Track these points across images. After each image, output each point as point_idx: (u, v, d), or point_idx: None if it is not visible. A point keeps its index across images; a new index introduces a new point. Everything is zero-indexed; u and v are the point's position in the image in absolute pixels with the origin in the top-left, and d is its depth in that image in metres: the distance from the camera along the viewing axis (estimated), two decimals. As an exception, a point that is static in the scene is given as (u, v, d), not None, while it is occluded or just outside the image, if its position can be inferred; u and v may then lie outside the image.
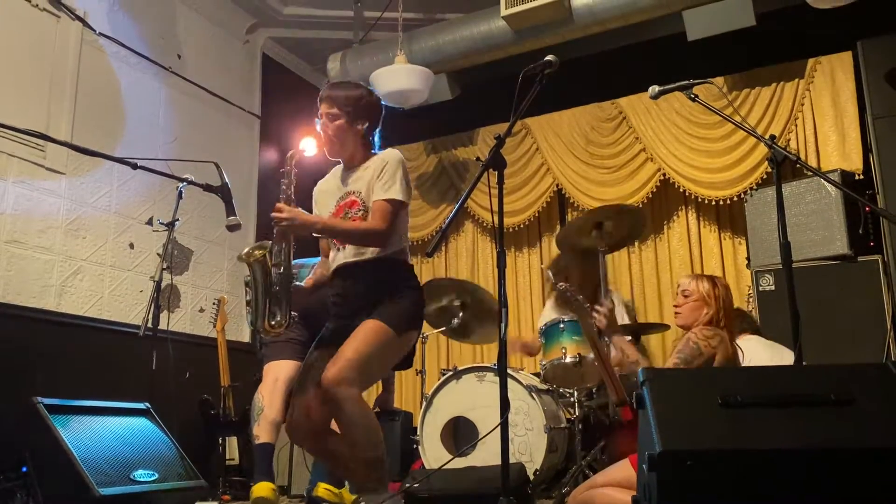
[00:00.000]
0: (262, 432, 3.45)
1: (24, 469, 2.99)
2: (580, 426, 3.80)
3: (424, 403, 4.02)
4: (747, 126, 3.83)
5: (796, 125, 4.78)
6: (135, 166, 2.82)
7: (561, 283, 3.11)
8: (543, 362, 3.96)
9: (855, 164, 4.47)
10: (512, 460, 3.02)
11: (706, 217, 5.13)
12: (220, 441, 4.32)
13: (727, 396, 1.74)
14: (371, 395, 4.60)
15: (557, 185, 5.48)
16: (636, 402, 1.83)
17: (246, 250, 2.71)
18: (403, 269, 2.76)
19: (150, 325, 3.56)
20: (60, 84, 4.19)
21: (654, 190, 5.16)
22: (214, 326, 4.54)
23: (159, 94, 4.83)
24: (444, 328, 4.49)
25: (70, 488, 2.69)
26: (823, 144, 4.67)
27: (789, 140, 4.77)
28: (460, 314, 4.40)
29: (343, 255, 2.71)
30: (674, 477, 1.64)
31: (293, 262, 2.75)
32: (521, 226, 5.62)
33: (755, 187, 4.65)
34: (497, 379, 2.33)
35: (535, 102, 2.51)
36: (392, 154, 2.74)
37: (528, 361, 5.37)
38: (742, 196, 4.66)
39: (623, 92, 5.28)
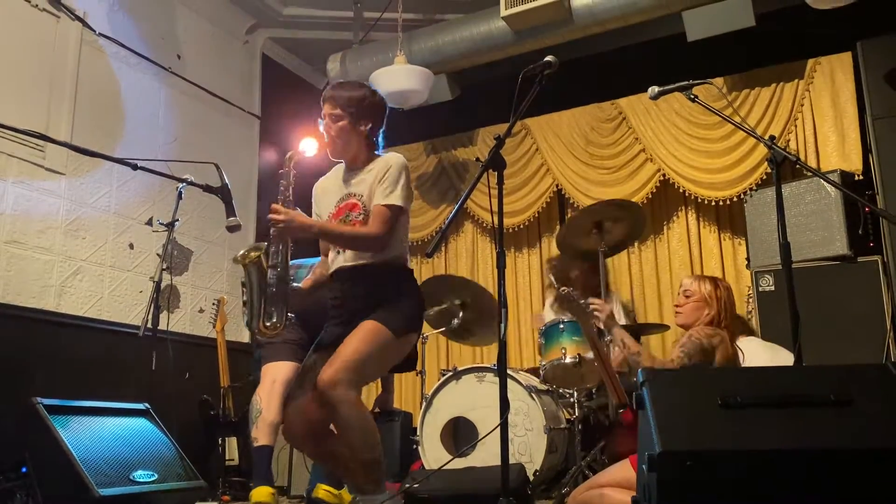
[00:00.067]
0: (260, 435, 3.44)
1: (24, 469, 2.99)
2: (580, 427, 3.80)
3: (424, 404, 4.02)
4: (747, 126, 3.84)
5: (796, 126, 4.78)
6: (134, 167, 2.82)
7: (564, 288, 3.11)
8: (543, 363, 3.96)
9: (854, 164, 4.47)
10: (512, 461, 3.02)
11: (706, 217, 5.13)
12: (220, 441, 4.32)
13: (727, 397, 1.75)
14: (370, 395, 4.61)
15: (557, 186, 5.48)
16: (636, 403, 1.83)
17: (241, 252, 2.71)
18: (403, 272, 2.75)
19: (149, 325, 3.56)
20: (60, 84, 4.19)
21: (654, 190, 5.16)
22: (214, 327, 4.54)
23: (159, 95, 4.83)
24: (443, 328, 4.49)
25: (70, 489, 2.69)
26: (823, 145, 4.67)
27: (789, 140, 4.77)
28: (460, 314, 4.40)
29: (343, 258, 2.71)
30: (673, 477, 1.64)
31: (291, 262, 2.74)
32: (521, 226, 5.62)
33: (755, 188, 4.65)
34: (497, 379, 2.33)
35: (534, 103, 2.51)
36: (395, 159, 2.72)
37: (528, 361, 5.37)
38: (742, 196, 4.66)
39: (623, 92, 5.29)
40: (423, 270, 5.95)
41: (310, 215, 2.82)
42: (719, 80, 4.89)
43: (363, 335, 2.54)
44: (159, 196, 4.66)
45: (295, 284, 2.76)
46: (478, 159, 2.51)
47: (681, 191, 5.06)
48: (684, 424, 1.72)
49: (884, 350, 3.83)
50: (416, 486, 3.28)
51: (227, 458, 4.29)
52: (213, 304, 4.64)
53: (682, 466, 1.64)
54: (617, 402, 2.95)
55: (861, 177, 4.41)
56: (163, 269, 3.72)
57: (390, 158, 2.73)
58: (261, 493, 3.32)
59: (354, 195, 2.72)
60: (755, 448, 1.68)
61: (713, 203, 4.95)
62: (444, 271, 5.91)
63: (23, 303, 3.89)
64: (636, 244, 5.20)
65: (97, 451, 2.85)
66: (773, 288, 4.19)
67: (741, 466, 1.67)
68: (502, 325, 2.25)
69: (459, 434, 3.96)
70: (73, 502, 2.70)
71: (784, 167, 2.84)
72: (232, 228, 2.85)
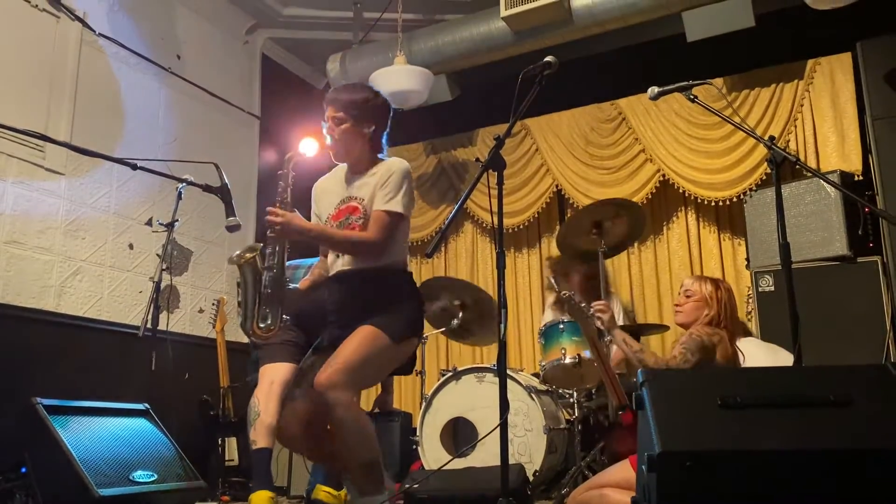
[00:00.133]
0: (259, 437, 3.43)
1: (24, 470, 2.99)
2: (579, 427, 3.80)
3: (424, 404, 4.02)
4: (747, 127, 3.84)
5: (795, 126, 4.78)
6: (134, 167, 2.82)
7: (565, 292, 3.11)
8: (543, 363, 3.96)
9: (854, 165, 4.47)
10: (511, 461, 3.03)
11: (706, 218, 5.13)
12: (220, 442, 4.32)
13: (727, 397, 1.75)
14: (370, 395, 4.61)
15: (557, 186, 5.48)
16: (635, 403, 1.83)
17: (237, 252, 2.71)
18: (402, 277, 2.74)
19: (149, 325, 3.56)
20: (60, 84, 4.20)
21: (654, 191, 5.16)
22: (214, 327, 4.54)
23: (159, 95, 4.83)
24: (443, 329, 4.49)
25: (69, 489, 2.69)
26: (823, 145, 4.67)
27: (788, 141, 4.77)
28: (460, 314, 4.40)
29: (342, 261, 2.70)
30: (673, 478, 1.64)
31: (289, 262, 2.74)
32: (521, 226, 5.62)
33: (754, 188, 4.65)
34: (496, 380, 2.33)
35: (534, 103, 2.51)
36: (399, 164, 2.71)
37: (528, 362, 5.37)
38: (741, 197, 4.66)
39: (622, 93, 5.29)
40: (422, 271, 5.95)
41: (308, 217, 2.82)
42: (719, 81, 4.89)
43: (361, 339, 2.53)
44: (159, 196, 4.66)
45: (292, 285, 2.75)
46: (477, 159, 2.51)
47: (680, 191, 5.06)
48: (684, 425, 1.72)
49: (883, 350, 3.83)
50: (415, 486, 3.28)
51: (226, 458, 4.29)
52: (213, 304, 4.64)
53: (682, 467, 1.64)
54: (617, 404, 2.95)
55: (861, 177, 4.41)
56: (162, 270, 3.72)
57: (393, 164, 2.71)
58: (260, 497, 3.30)
59: (355, 198, 2.70)
60: (755, 448, 1.68)
61: (713, 203, 4.95)
62: (443, 271, 5.91)
63: (22, 303, 3.89)
64: (636, 245, 5.20)
65: (97, 451, 2.86)
66: (772, 288, 4.19)
67: (741, 467, 1.67)
68: (502, 326, 2.25)
69: (459, 434, 3.96)
70: (73, 502, 2.70)
71: (784, 168, 2.84)
72: (231, 228, 2.85)
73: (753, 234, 4.39)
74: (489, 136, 5.66)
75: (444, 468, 3.30)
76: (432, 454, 3.89)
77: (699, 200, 4.99)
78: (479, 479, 3.26)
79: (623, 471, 2.53)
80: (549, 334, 3.99)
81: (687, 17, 4.53)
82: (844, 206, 4.03)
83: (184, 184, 3.29)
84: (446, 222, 2.75)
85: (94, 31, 4.42)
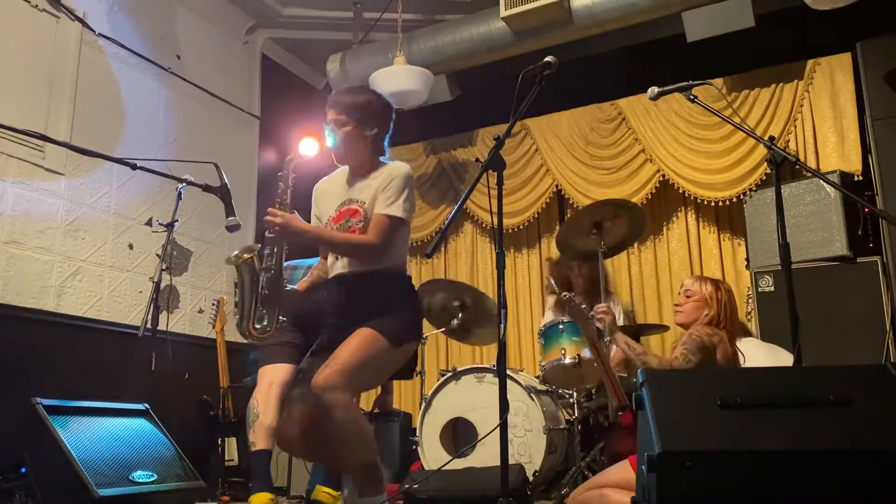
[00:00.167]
0: (258, 439, 3.44)
1: (24, 470, 2.99)
2: (579, 427, 3.80)
3: (424, 404, 4.02)
4: (746, 127, 3.84)
5: (795, 126, 4.78)
6: (134, 167, 2.82)
7: (565, 294, 3.12)
8: (543, 363, 3.96)
9: (854, 165, 4.47)
10: (511, 461, 3.03)
11: (705, 218, 5.13)
12: (220, 442, 4.32)
13: (726, 398, 1.75)
14: (370, 395, 4.61)
15: (557, 186, 5.48)
16: (635, 403, 1.83)
17: (235, 252, 2.70)
18: (401, 281, 2.74)
19: (149, 325, 3.56)
20: (60, 84, 4.20)
21: (654, 191, 5.16)
22: (214, 327, 4.54)
23: (159, 95, 4.83)
24: (443, 328, 4.49)
25: (69, 489, 2.69)
26: (822, 145, 4.67)
27: (788, 141, 4.77)
28: (460, 315, 4.40)
29: (341, 264, 2.69)
30: (673, 478, 1.64)
31: (287, 263, 2.73)
32: (521, 227, 5.62)
33: (754, 188, 4.65)
34: (496, 380, 2.33)
35: (534, 103, 2.51)
36: (401, 169, 2.71)
37: (528, 362, 5.37)
38: (741, 197, 4.66)
39: (622, 93, 5.29)
40: (422, 271, 5.95)
41: (308, 218, 2.82)
42: (719, 81, 4.89)
43: (360, 341, 2.53)
44: (159, 196, 4.66)
45: (290, 286, 2.75)
46: (477, 160, 2.51)
47: (680, 191, 5.06)
48: (684, 425, 1.73)
49: (883, 351, 3.83)
50: (415, 486, 3.28)
51: (226, 458, 4.29)
52: (213, 304, 4.64)
53: (682, 467, 1.64)
54: (617, 404, 2.95)
55: (860, 177, 4.41)
56: (162, 270, 3.72)
57: (396, 168, 2.71)
58: (260, 499, 3.31)
59: (356, 201, 2.70)
60: (755, 449, 1.68)
61: (713, 204, 4.95)
62: (443, 272, 5.91)
63: (22, 303, 3.89)
64: (636, 245, 5.20)
65: (96, 451, 2.86)
66: (772, 288, 4.19)
67: (740, 467, 1.67)
68: (502, 326, 2.25)
69: (459, 434, 3.96)
70: (73, 503, 2.70)
71: (783, 168, 2.85)
72: (231, 228, 2.85)
73: (753, 235, 4.39)
74: (489, 137, 5.66)
75: (443, 468, 3.30)
76: (432, 454, 3.89)
77: (699, 200, 4.99)
78: (479, 480, 3.27)
79: (623, 471, 2.53)
80: (548, 334, 3.99)
81: (687, 17, 4.53)
82: (844, 206, 4.03)
83: (184, 184, 3.30)
84: (446, 222, 2.76)
85: (93, 32, 4.42)
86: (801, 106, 4.76)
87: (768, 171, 4.42)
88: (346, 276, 2.67)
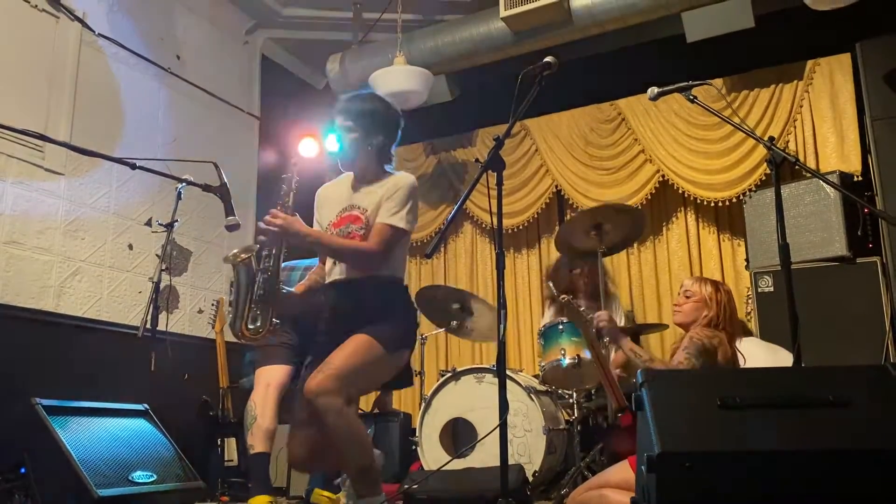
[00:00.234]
0: (256, 442, 3.44)
1: (23, 470, 2.99)
2: (579, 427, 3.80)
3: (423, 404, 4.02)
4: (746, 127, 3.84)
5: (795, 127, 4.78)
6: (133, 167, 2.82)
7: (563, 296, 3.12)
8: (542, 364, 3.96)
9: (854, 165, 4.47)
10: (511, 462, 3.03)
11: (705, 218, 5.13)
12: (219, 442, 4.32)
13: (726, 398, 1.75)
14: (370, 396, 4.61)
15: (556, 187, 5.48)
16: (635, 404, 1.83)
17: (234, 251, 2.71)
18: (398, 289, 2.74)
19: (148, 326, 3.56)
20: (59, 84, 4.19)
21: (653, 191, 5.16)
22: (213, 327, 4.53)
23: (158, 95, 4.83)
24: (443, 329, 4.49)
25: (69, 489, 2.70)
26: (822, 146, 4.67)
27: (788, 142, 4.77)
28: (459, 315, 4.40)
29: (339, 270, 2.69)
30: (672, 478, 1.64)
31: (285, 264, 2.73)
32: (520, 227, 5.62)
33: (754, 189, 4.65)
34: (496, 380, 2.33)
35: (534, 104, 2.51)
36: (407, 180, 2.71)
37: (528, 363, 5.37)
38: (741, 197, 4.66)
39: (622, 93, 5.29)
40: (422, 271, 5.96)
41: (310, 221, 2.82)
42: (718, 81, 4.90)
43: (355, 347, 2.53)
44: (159, 197, 4.66)
45: (287, 289, 2.75)
46: (477, 160, 2.52)
47: (680, 192, 5.06)
48: (683, 425, 1.73)
49: (883, 351, 3.83)
50: (415, 486, 3.28)
51: (226, 458, 4.29)
52: (213, 304, 4.63)
53: (682, 467, 1.64)
54: (616, 407, 2.95)
55: (860, 178, 4.41)
56: (162, 270, 3.72)
57: (402, 178, 2.72)
58: (259, 502, 3.32)
59: (359, 208, 2.70)
60: (754, 449, 1.68)
61: (712, 204, 4.96)
62: (443, 272, 5.91)
63: (22, 303, 3.89)
64: (635, 245, 5.20)
65: (96, 451, 2.86)
66: (772, 289, 4.19)
67: (740, 467, 1.67)
68: (501, 326, 2.25)
69: (458, 435, 3.96)
70: (72, 503, 2.70)
71: (783, 168, 2.85)
72: (231, 227, 2.85)
73: (753, 235, 4.39)
74: (489, 137, 5.66)
75: (443, 469, 3.30)
76: (432, 455, 3.89)
77: (699, 201, 5.00)
78: (479, 480, 3.27)
79: (622, 471, 2.54)
80: (548, 335, 3.99)
81: (686, 17, 4.53)
82: (844, 206, 4.04)
83: (183, 184, 3.29)
84: (446, 223, 2.77)
85: (93, 32, 4.42)
86: (801, 106, 4.77)
87: (768, 171, 4.40)
88: (344, 282, 2.67)
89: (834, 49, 4.66)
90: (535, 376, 4.17)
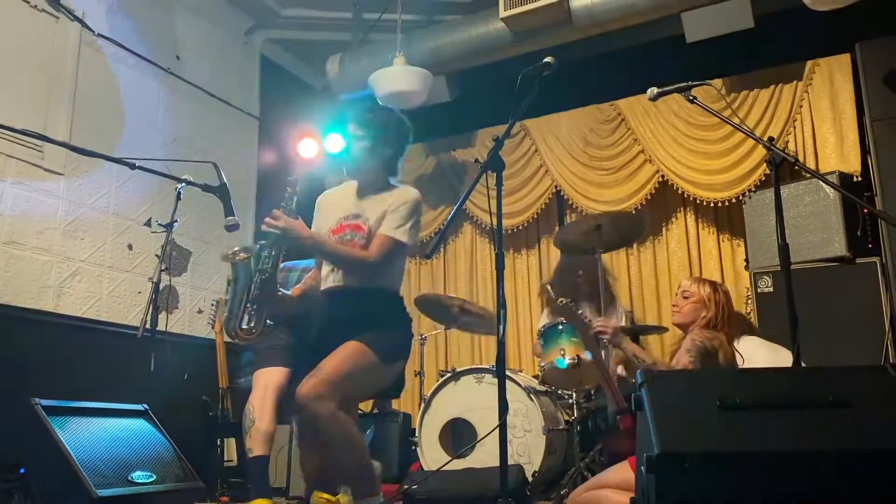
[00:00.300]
0: (254, 445, 3.44)
1: (22, 470, 2.99)
2: (578, 428, 3.80)
3: (423, 405, 4.02)
4: (746, 128, 3.84)
5: (794, 127, 4.78)
6: (133, 167, 2.82)
7: (561, 300, 3.12)
8: (542, 364, 3.96)
9: (853, 166, 4.47)
10: (510, 462, 3.03)
11: (705, 219, 5.13)
12: (219, 442, 4.32)
13: (725, 398, 1.75)
14: (369, 396, 4.60)
15: (556, 187, 5.48)
16: (634, 404, 1.83)
17: (233, 249, 2.70)
18: (394, 300, 2.75)
19: (148, 326, 3.55)
20: (59, 85, 4.19)
21: (653, 192, 5.16)
22: (213, 328, 4.53)
23: (158, 95, 4.83)
24: (442, 329, 4.49)
25: (68, 490, 2.69)
26: (822, 146, 4.67)
27: (788, 142, 4.77)
28: (459, 316, 4.40)
29: (335, 277, 2.69)
30: (672, 479, 1.64)
31: (283, 264, 2.73)
32: (520, 227, 5.62)
33: (753, 189, 4.65)
34: (495, 380, 2.33)
35: (533, 104, 2.51)
36: (412, 195, 2.74)
37: (527, 363, 5.37)
38: (740, 198, 4.66)
39: (622, 94, 5.29)
40: (422, 271, 5.96)
41: (310, 223, 2.82)
42: (718, 82, 4.90)
43: (348, 353, 2.53)
44: (158, 197, 4.66)
45: (283, 291, 2.75)
46: (477, 160, 2.52)
47: (679, 192, 5.06)
48: (683, 426, 1.72)
49: (882, 351, 3.83)
50: (414, 487, 3.28)
51: (225, 458, 4.29)
52: (212, 304, 4.63)
53: (681, 468, 1.64)
54: (615, 409, 2.95)
55: (859, 178, 4.41)
56: (161, 270, 3.71)
57: (408, 193, 2.74)
58: None
59: (361, 217, 2.71)
60: (754, 449, 1.68)
61: (712, 204, 4.96)
62: (442, 272, 5.91)
63: (21, 303, 3.88)
64: (635, 246, 5.21)
65: (95, 451, 2.85)
66: (771, 289, 4.19)
67: (740, 468, 1.67)
68: (501, 327, 2.25)
69: (458, 435, 3.96)
70: (72, 503, 2.70)
71: (783, 168, 2.85)
72: (230, 228, 2.85)
73: (752, 235, 4.39)
74: (488, 137, 5.66)
75: (443, 469, 3.30)
76: (431, 455, 3.89)
77: (698, 201, 5.00)
78: (478, 480, 3.27)
79: (622, 472, 2.54)
80: (548, 335, 3.99)
81: (686, 18, 4.53)
82: (843, 207, 4.04)
83: (183, 184, 3.29)
84: (445, 223, 2.77)
85: (93, 32, 4.42)
86: (801, 107, 4.77)
87: (767, 171, 4.41)
88: (340, 290, 2.68)
89: (833, 49, 4.66)
90: (535, 376, 4.17)
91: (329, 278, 2.71)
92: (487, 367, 3.95)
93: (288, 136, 5.45)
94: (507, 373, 3.56)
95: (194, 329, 4.89)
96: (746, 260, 4.50)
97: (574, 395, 3.92)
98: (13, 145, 3.91)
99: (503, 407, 2.21)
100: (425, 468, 3.83)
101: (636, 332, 4.44)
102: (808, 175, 3.81)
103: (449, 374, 4.00)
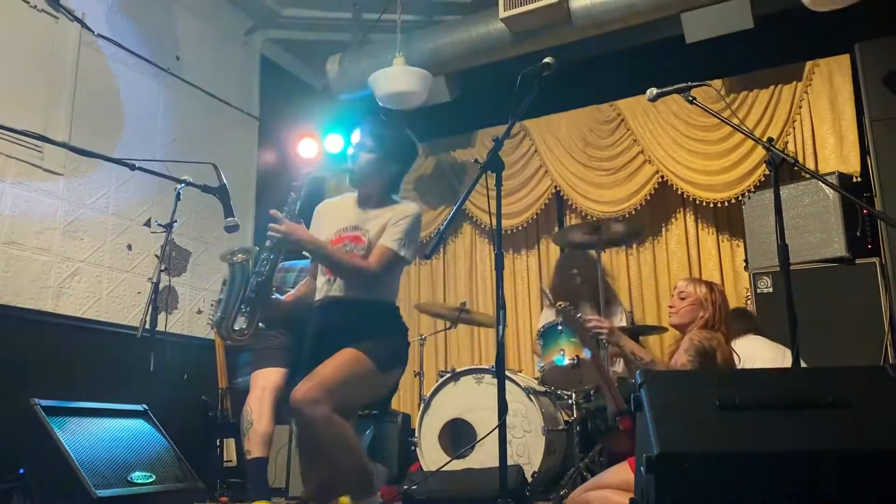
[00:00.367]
0: (253, 447, 3.44)
1: (22, 471, 2.99)
2: (578, 428, 3.80)
3: (422, 405, 4.02)
4: (745, 128, 3.84)
5: (794, 128, 4.78)
6: (133, 167, 2.82)
7: (560, 303, 3.12)
8: (541, 364, 3.96)
9: (853, 166, 4.47)
10: (510, 462, 3.03)
11: (704, 219, 5.13)
12: (218, 443, 4.32)
13: (725, 399, 1.75)
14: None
15: (556, 187, 5.48)
16: (634, 404, 1.83)
17: (232, 249, 2.70)
18: (391, 311, 2.76)
19: (147, 326, 3.55)
20: (59, 85, 4.19)
21: (652, 192, 5.16)
22: (212, 328, 4.53)
23: (158, 96, 4.83)
24: (443, 329, 4.49)
25: (67, 490, 2.69)
26: (821, 147, 4.68)
27: (787, 143, 4.77)
28: (459, 316, 4.41)
29: (330, 287, 2.69)
30: (671, 479, 1.64)
31: (281, 264, 2.73)
32: (520, 228, 5.62)
33: (753, 190, 4.65)
34: (495, 381, 2.33)
35: (533, 104, 2.51)
36: (414, 209, 2.74)
37: (527, 363, 5.37)
38: (740, 198, 4.67)
39: (621, 94, 5.29)
40: (421, 272, 5.96)
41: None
42: (718, 82, 4.90)
43: (343, 360, 2.53)
44: (158, 197, 4.66)
45: (277, 295, 2.75)
46: (476, 160, 2.52)
47: (679, 193, 5.06)
48: (682, 426, 1.73)
49: (882, 352, 3.83)
50: (414, 487, 3.28)
51: (224, 459, 4.29)
52: (212, 305, 4.63)
53: (680, 468, 1.64)
54: (615, 410, 2.95)
55: (859, 179, 4.41)
56: (161, 270, 3.71)
57: (410, 207, 2.75)
58: None
59: (361, 230, 2.71)
60: (753, 450, 1.68)
61: (711, 205, 4.96)
62: (442, 272, 5.91)
63: (21, 303, 3.88)
64: (634, 246, 5.21)
65: (95, 452, 2.85)
66: (771, 290, 4.19)
67: (739, 468, 1.67)
68: (501, 327, 2.25)
69: (458, 435, 3.96)
70: (71, 503, 2.70)
71: (782, 169, 2.84)
72: (230, 228, 2.85)
73: (752, 236, 4.39)
74: (488, 138, 5.66)
75: (442, 469, 3.30)
76: (431, 455, 3.89)
77: (698, 202, 5.00)
78: (478, 481, 3.27)
79: (622, 472, 2.54)
80: (547, 336, 3.99)
81: (686, 18, 4.53)
82: (843, 207, 4.04)
83: (182, 184, 3.29)
84: (445, 223, 2.76)
85: (92, 32, 4.41)
86: (800, 107, 4.77)
87: (767, 172, 4.43)
88: (335, 300, 2.67)
89: (833, 50, 4.67)
90: (535, 377, 4.17)
91: (324, 288, 2.70)
92: (487, 367, 3.95)
93: (288, 136, 5.45)
94: (507, 373, 3.56)
95: (194, 329, 4.89)
96: (746, 260, 4.51)
97: (573, 395, 3.92)
98: (13, 145, 3.91)
99: (503, 407, 2.21)
100: (425, 469, 3.83)
101: (636, 332, 4.44)
102: (808, 176, 3.81)
103: (448, 375, 4.00)
